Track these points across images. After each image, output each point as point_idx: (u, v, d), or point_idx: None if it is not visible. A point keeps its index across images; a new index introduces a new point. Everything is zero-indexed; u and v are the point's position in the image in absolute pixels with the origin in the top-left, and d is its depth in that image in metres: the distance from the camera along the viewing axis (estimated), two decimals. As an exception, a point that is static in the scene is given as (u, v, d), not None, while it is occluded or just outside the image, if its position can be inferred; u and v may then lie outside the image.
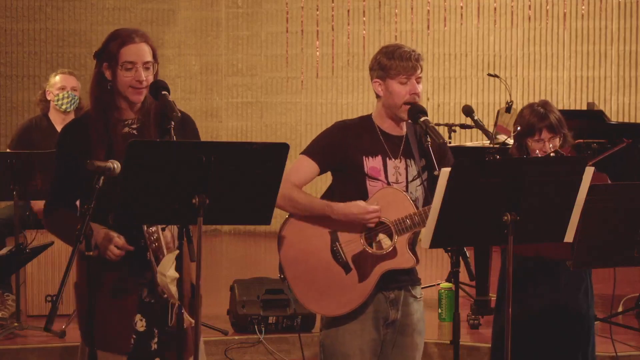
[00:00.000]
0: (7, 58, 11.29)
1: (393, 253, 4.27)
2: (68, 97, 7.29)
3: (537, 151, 4.75)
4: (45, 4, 11.32)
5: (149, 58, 4.06)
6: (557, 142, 4.78)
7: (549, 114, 4.78)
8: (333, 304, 4.30)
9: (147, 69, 4.04)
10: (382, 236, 4.28)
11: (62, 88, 7.33)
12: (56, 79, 7.36)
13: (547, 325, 4.76)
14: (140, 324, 4.04)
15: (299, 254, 4.33)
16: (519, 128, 4.82)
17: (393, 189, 4.30)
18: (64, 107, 7.28)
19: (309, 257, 4.32)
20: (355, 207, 4.24)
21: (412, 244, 4.30)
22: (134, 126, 4.07)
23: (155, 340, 4.06)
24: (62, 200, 4.06)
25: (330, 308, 4.31)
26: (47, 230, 4.19)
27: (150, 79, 4.04)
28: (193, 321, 3.95)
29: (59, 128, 7.28)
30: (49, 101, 7.36)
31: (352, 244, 4.28)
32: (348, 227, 4.28)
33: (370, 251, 4.27)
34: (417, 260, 4.30)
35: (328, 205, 4.28)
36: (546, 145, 4.76)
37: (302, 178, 4.35)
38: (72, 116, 7.32)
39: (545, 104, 4.85)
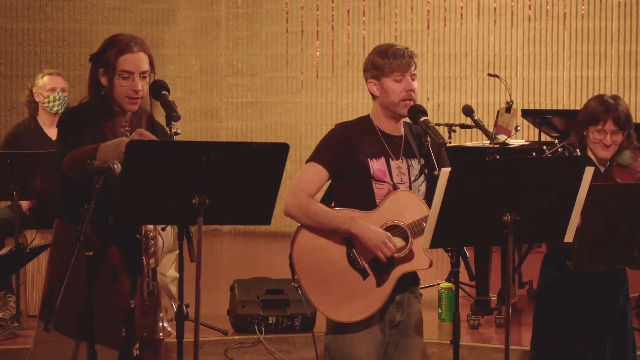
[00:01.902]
0: (7, 58, 11.28)
1: (410, 255, 4.27)
2: (59, 99, 7.23)
3: (597, 144, 4.58)
4: (45, 4, 11.31)
5: (146, 68, 4.07)
6: (619, 138, 4.61)
7: (617, 106, 4.62)
8: (352, 310, 4.28)
9: (143, 78, 4.06)
10: (396, 239, 4.27)
11: (52, 90, 7.25)
12: (45, 80, 7.28)
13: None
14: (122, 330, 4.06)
15: (315, 263, 4.29)
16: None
17: (407, 192, 4.29)
18: (55, 109, 7.23)
19: (325, 265, 4.29)
20: (374, 233, 4.20)
21: None
22: (127, 129, 4.09)
23: (137, 346, 4.07)
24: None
25: (349, 314, 4.29)
26: (67, 171, 4.00)
27: (146, 89, 4.06)
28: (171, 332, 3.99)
29: (47, 130, 7.26)
30: (37, 102, 7.30)
31: (368, 249, 4.26)
32: None
33: None
34: (432, 262, 4.31)
35: (351, 220, 4.23)
36: (607, 138, 4.59)
37: (314, 186, 4.32)
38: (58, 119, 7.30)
39: (615, 97, 4.70)
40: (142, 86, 4.03)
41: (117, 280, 4.02)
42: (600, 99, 4.68)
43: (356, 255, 4.27)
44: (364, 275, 4.27)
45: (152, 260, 3.92)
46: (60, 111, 7.22)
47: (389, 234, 4.23)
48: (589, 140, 4.63)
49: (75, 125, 4.03)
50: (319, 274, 4.28)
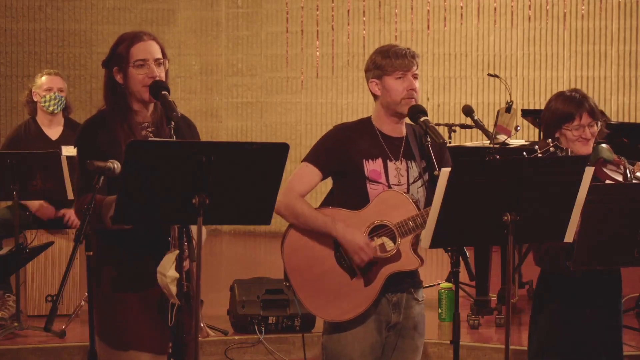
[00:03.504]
0: (7, 58, 11.28)
1: (397, 255, 4.26)
2: (55, 99, 7.24)
3: (576, 141, 4.47)
4: (45, 4, 11.32)
5: (160, 55, 4.07)
6: (595, 129, 4.52)
7: (586, 98, 4.53)
8: (340, 310, 4.29)
9: (159, 65, 4.05)
10: (384, 239, 4.27)
11: (49, 89, 7.26)
12: (42, 80, 7.29)
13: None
14: None
15: (303, 262, 4.31)
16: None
17: (394, 192, 4.29)
18: (51, 108, 7.24)
19: (313, 263, 4.30)
20: (353, 237, 4.23)
21: (416, 245, 4.29)
22: (150, 129, 4.08)
23: (169, 345, 4.06)
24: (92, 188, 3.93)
25: (337, 314, 4.30)
26: (78, 217, 4.10)
27: (163, 75, 4.05)
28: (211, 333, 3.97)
29: (46, 130, 7.28)
30: (35, 102, 7.31)
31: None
32: None
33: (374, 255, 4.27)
34: (422, 262, 4.30)
35: (332, 223, 4.25)
36: (586, 132, 4.50)
37: (306, 186, 4.33)
38: (59, 117, 7.31)
39: (577, 90, 4.60)
40: (159, 73, 4.02)
41: (152, 283, 4.00)
42: (564, 96, 4.57)
43: (344, 254, 4.28)
44: (352, 274, 4.28)
45: (185, 262, 3.89)
46: (56, 111, 7.24)
47: (367, 239, 4.24)
48: (565, 140, 4.52)
49: (89, 146, 4.01)
50: (308, 273, 4.30)
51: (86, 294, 6.27)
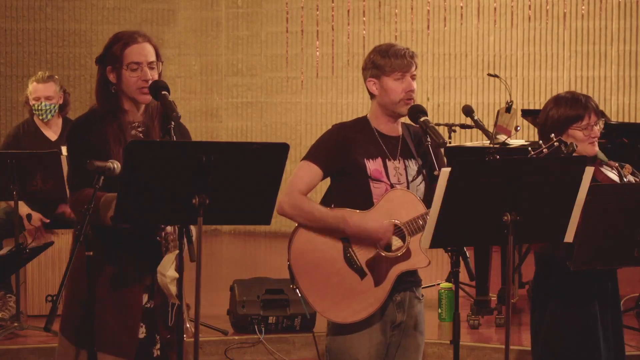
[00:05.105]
0: (7, 58, 11.28)
1: (407, 254, 4.25)
2: (44, 109, 7.21)
3: (585, 141, 4.48)
4: (45, 4, 11.32)
5: (154, 58, 4.06)
6: (600, 127, 4.54)
7: (589, 97, 4.55)
8: (350, 311, 4.26)
9: (152, 68, 4.04)
10: (392, 237, 4.27)
11: (37, 99, 7.24)
12: (31, 87, 7.25)
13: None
14: (141, 331, 4.03)
15: (312, 263, 4.27)
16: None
17: (402, 190, 4.28)
18: (41, 117, 7.23)
19: (322, 265, 4.27)
20: (371, 222, 4.21)
21: None
22: (140, 129, 4.07)
23: (157, 346, 4.05)
24: (86, 183, 3.91)
25: (347, 315, 4.27)
26: (73, 212, 4.08)
27: (156, 77, 4.04)
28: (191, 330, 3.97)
29: (45, 131, 7.27)
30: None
31: (364, 248, 4.25)
32: None
33: (384, 254, 4.25)
34: (429, 260, 4.30)
35: (343, 219, 4.22)
36: (595, 130, 4.51)
37: (308, 185, 4.30)
38: (55, 120, 7.28)
39: (574, 92, 4.61)
40: (152, 76, 4.02)
41: (127, 286, 3.99)
42: (566, 100, 4.57)
43: (353, 255, 4.26)
44: (362, 275, 4.26)
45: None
46: (45, 120, 7.22)
47: (384, 224, 4.21)
48: (575, 139, 4.49)
49: (80, 142, 4.00)
50: (317, 275, 4.27)
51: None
